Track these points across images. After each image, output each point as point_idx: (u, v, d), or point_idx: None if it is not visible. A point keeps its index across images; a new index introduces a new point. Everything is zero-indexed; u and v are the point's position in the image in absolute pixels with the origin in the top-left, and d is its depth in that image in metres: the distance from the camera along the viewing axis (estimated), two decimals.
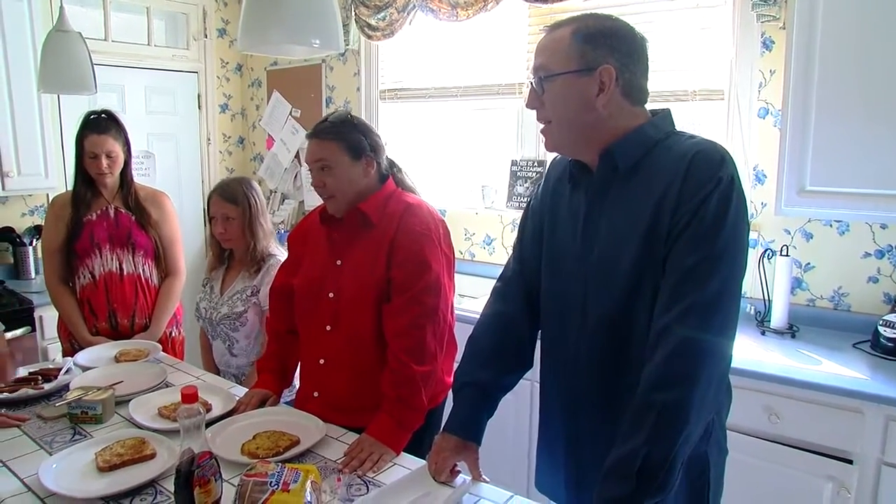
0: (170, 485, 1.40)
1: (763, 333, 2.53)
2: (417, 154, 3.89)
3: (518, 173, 3.41)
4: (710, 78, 2.82)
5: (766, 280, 2.62)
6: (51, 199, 3.14)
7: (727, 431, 1.40)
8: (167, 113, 4.33)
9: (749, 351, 2.34)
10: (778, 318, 2.53)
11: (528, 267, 1.48)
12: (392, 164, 1.89)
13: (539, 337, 1.50)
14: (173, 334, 2.72)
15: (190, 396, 1.31)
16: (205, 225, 4.50)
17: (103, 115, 2.51)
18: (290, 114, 4.37)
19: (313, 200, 4.12)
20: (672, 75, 2.88)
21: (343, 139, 1.74)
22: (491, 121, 3.64)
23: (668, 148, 1.23)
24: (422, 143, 3.91)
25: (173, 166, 4.36)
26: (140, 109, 4.14)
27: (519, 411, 2.63)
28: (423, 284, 1.69)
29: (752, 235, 2.69)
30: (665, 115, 1.30)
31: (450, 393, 1.88)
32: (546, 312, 1.43)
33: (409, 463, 1.59)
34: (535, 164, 3.37)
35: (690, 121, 2.89)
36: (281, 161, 4.42)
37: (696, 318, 1.13)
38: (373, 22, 3.63)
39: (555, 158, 1.48)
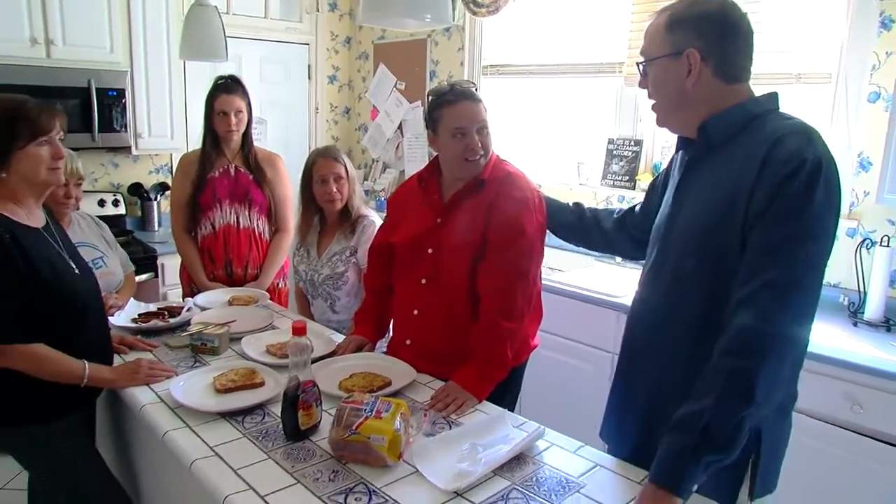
0: (276, 409, 1.60)
1: (855, 325, 2.48)
2: (517, 128, 3.98)
3: (614, 152, 3.43)
4: (817, 60, 2.74)
5: (862, 271, 2.56)
6: (176, 158, 3.45)
7: (795, 414, 1.43)
8: (279, 82, 4.60)
9: (834, 339, 2.31)
10: (873, 310, 2.47)
11: (643, 207, 1.68)
12: None
13: None
14: (280, 285, 2.96)
15: (300, 329, 1.48)
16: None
17: (230, 79, 2.75)
18: (395, 86, 4.54)
19: (413, 170, 4.26)
20: (775, 57, 2.81)
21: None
22: (590, 98, 3.66)
23: (762, 125, 1.27)
24: (522, 117, 3.98)
25: (283, 132, 4.63)
26: (255, 78, 4.41)
27: (598, 382, 2.70)
28: (518, 248, 1.79)
29: (852, 224, 2.63)
30: (771, 95, 1.34)
31: (532, 354, 2.00)
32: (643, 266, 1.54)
33: (490, 410, 1.71)
34: (632, 143, 3.38)
35: (792, 104, 2.82)
36: (384, 131, 4.60)
37: (774, 295, 1.16)
38: None
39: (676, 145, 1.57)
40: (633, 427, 1.52)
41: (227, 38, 3.98)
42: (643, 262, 1.55)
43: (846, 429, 2.14)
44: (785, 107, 1.34)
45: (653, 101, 1.40)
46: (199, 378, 1.79)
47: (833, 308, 2.61)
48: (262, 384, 1.76)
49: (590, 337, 2.82)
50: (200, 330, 2.03)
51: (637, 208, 1.77)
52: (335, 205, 2.50)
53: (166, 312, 2.28)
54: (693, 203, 1.35)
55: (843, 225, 2.64)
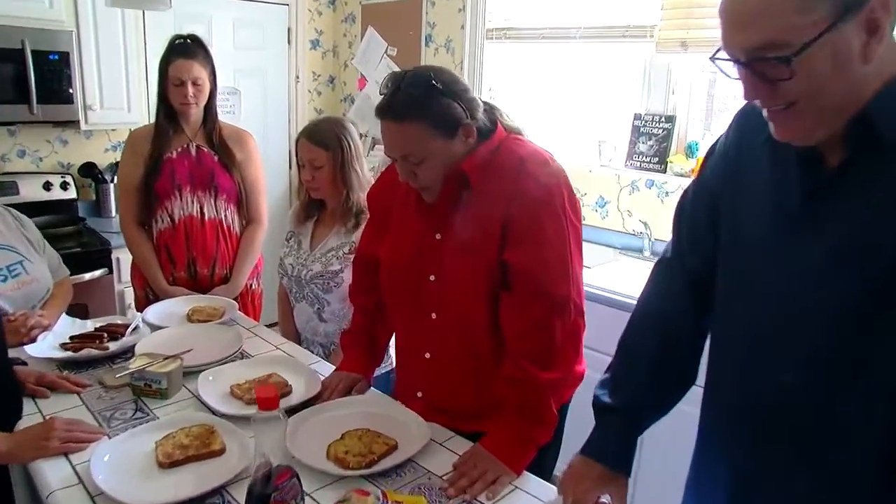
0: (240, 494, 1.14)
1: None
2: (526, 101, 3.56)
3: (641, 129, 3.00)
4: None
5: None
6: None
7: None
8: (255, 48, 4.14)
9: None
10: None
11: (692, 254, 1.13)
12: (491, 107, 1.45)
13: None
14: (253, 286, 2.51)
15: (268, 401, 1.01)
16: (290, 169, 4.29)
17: (189, 40, 2.26)
18: (386, 52, 4.11)
19: None
20: None
21: (429, 115, 1.31)
22: (613, 68, 3.22)
23: None
24: (531, 89, 3.56)
25: (260, 105, 4.20)
26: (227, 43, 3.96)
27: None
28: (547, 270, 1.32)
29: None
30: None
31: (579, 388, 1.52)
32: (725, 312, 1.06)
33: (535, 488, 1.26)
34: (663, 119, 2.94)
35: None
36: (374, 103, 4.09)
37: None
38: None
39: (740, 120, 1.05)
40: None
41: None
42: None
43: None
44: None
45: (791, 104, 0.85)
46: (136, 443, 1.31)
47: None
48: (221, 451, 1.29)
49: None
50: (145, 366, 1.55)
51: (687, 262, 1.16)
52: (316, 194, 2.07)
53: (105, 335, 1.79)
54: (853, 229, 0.87)
55: None
